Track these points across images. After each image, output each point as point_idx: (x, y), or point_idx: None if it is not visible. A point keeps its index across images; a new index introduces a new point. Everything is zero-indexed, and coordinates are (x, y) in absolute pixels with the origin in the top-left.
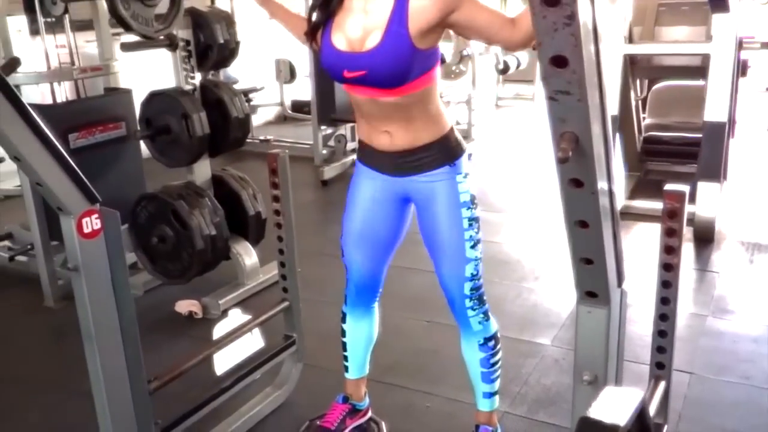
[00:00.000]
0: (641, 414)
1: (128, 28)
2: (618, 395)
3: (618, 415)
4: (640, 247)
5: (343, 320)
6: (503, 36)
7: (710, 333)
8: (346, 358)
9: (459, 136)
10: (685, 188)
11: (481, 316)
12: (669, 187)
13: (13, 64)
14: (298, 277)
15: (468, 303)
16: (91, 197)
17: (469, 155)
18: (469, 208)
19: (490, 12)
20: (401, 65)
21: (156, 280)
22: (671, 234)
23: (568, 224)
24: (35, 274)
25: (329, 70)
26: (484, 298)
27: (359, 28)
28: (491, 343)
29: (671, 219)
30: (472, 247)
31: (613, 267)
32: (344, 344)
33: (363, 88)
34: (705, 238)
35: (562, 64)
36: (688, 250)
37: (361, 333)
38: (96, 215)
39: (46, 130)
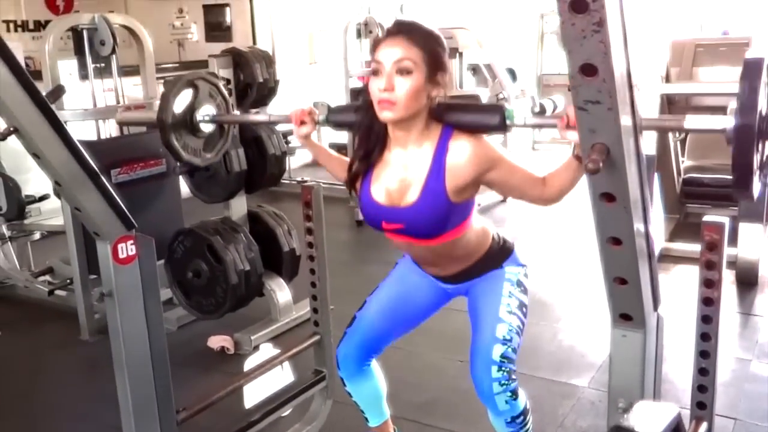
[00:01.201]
0: (677, 428)
1: (179, 159)
2: (653, 408)
3: (652, 426)
4: (680, 290)
5: (344, 384)
6: (535, 194)
7: (755, 378)
8: (362, 411)
9: (503, 239)
10: (724, 220)
11: (509, 394)
12: (708, 218)
13: (57, 91)
14: (331, 315)
15: (495, 372)
16: (128, 223)
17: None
18: (512, 284)
19: (522, 172)
20: (438, 220)
21: (190, 315)
22: (711, 267)
23: (601, 242)
24: (73, 307)
25: (368, 220)
26: (515, 376)
27: (397, 181)
28: (519, 419)
29: (711, 251)
30: (509, 312)
31: (649, 288)
32: (355, 402)
33: (401, 236)
34: (748, 281)
35: (592, 73)
36: (731, 293)
37: (367, 391)
38: (131, 241)
39: (87, 156)
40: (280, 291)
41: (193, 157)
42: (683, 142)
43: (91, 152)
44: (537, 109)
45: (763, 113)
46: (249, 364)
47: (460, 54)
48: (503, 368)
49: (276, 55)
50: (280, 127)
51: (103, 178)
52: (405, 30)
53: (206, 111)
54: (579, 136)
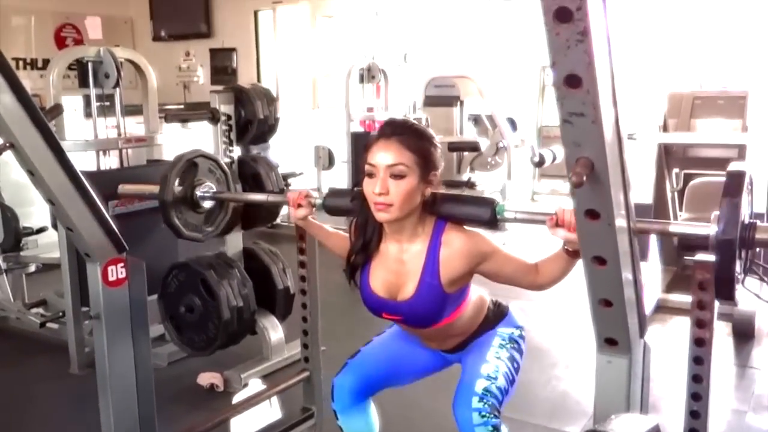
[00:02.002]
0: None
1: (179, 235)
2: (632, 419)
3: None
4: (676, 341)
5: (336, 417)
6: (527, 281)
7: (750, 430)
8: None
9: (496, 304)
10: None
11: (490, 428)
12: (700, 257)
13: (56, 109)
14: (324, 356)
15: (476, 402)
16: (119, 246)
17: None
18: (503, 339)
19: (515, 262)
20: (435, 311)
21: (181, 351)
22: (702, 307)
23: (586, 262)
24: (64, 341)
25: (368, 308)
26: (498, 413)
27: (395, 274)
28: None
29: (702, 290)
30: (497, 357)
31: (635, 312)
32: None
33: (402, 324)
34: (745, 333)
35: (576, 84)
36: (727, 345)
37: (359, 427)
38: (122, 264)
39: (81, 175)
40: (273, 329)
41: (194, 233)
42: (681, 193)
43: (91, 183)
44: (536, 159)
45: (746, 222)
46: (237, 400)
47: (461, 102)
48: (485, 400)
49: (280, 99)
50: (281, 170)
51: (96, 198)
52: (398, 132)
53: (206, 188)
54: (564, 149)
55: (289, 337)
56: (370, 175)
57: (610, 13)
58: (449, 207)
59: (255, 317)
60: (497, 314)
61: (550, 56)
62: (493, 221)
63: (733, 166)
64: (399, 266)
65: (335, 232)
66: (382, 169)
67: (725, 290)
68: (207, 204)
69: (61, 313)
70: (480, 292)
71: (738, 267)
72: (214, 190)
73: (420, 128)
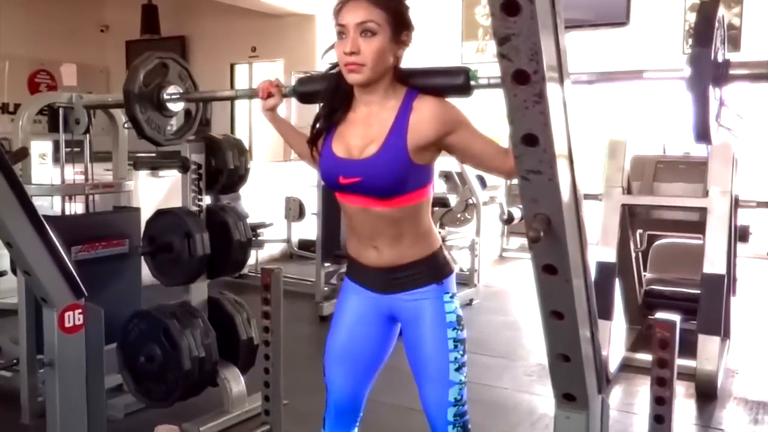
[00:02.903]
0: None
1: (141, 131)
2: None
3: None
4: (641, 401)
5: None
6: (495, 164)
7: None
8: None
9: (448, 255)
10: (676, 318)
11: None
12: (660, 316)
13: (21, 153)
14: (286, 410)
15: (451, 430)
16: (77, 291)
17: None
18: (454, 328)
19: (484, 140)
20: (396, 176)
21: (138, 403)
22: (663, 365)
23: (544, 316)
24: (16, 389)
25: (325, 176)
26: (469, 426)
27: (359, 137)
28: None
29: (663, 350)
30: (457, 369)
31: (592, 367)
32: None
33: (356, 196)
34: (707, 393)
35: (533, 143)
36: (690, 406)
37: None
38: (79, 310)
39: (42, 219)
40: (234, 381)
41: (156, 133)
42: (645, 254)
43: (54, 228)
44: (505, 217)
45: (719, 60)
46: None
47: None
48: (457, 425)
49: (252, 150)
50: (250, 220)
51: (56, 242)
52: None
53: (174, 90)
54: (522, 205)
55: (251, 389)
56: (340, 36)
57: (567, 77)
58: (422, 77)
59: (217, 368)
60: (447, 266)
61: (507, 115)
62: (466, 87)
63: None
64: (365, 130)
65: (301, 132)
66: (352, 27)
67: (702, 129)
68: (174, 108)
69: (15, 361)
70: (434, 228)
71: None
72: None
73: None
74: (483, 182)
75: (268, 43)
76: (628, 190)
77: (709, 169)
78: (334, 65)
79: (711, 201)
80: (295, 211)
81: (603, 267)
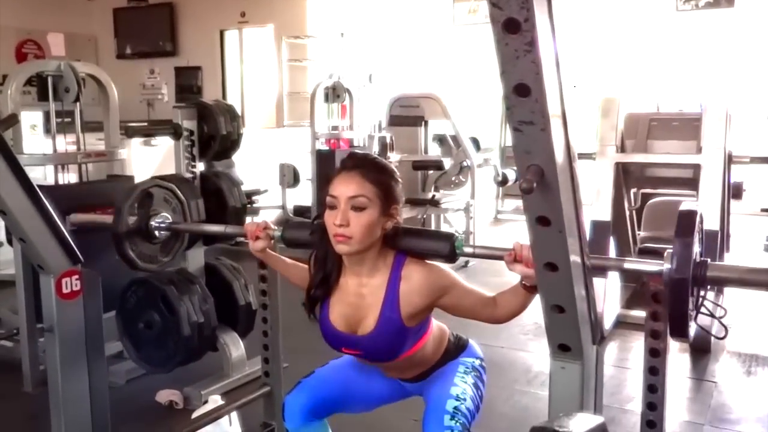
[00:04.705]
0: None
1: (134, 267)
2: (577, 417)
3: (574, 426)
4: (637, 356)
5: None
6: (486, 314)
7: None
8: None
9: (456, 338)
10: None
11: None
12: (651, 268)
13: (10, 119)
14: (285, 372)
15: (447, 420)
16: (74, 257)
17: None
18: (467, 367)
19: (474, 295)
20: (395, 346)
21: (139, 369)
22: (656, 318)
23: (538, 269)
24: (18, 359)
25: (328, 342)
26: (469, 428)
27: (354, 308)
28: None
29: (656, 302)
30: (463, 381)
31: (587, 318)
32: None
33: (361, 359)
34: (701, 347)
35: (525, 93)
36: (684, 359)
37: None
38: (77, 276)
39: (35, 186)
40: (234, 345)
41: (149, 264)
42: (639, 212)
43: (49, 197)
44: (500, 178)
45: (698, 260)
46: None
47: (426, 122)
48: (456, 419)
49: (245, 117)
50: (245, 187)
51: (50, 208)
52: (359, 165)
53: (161, 218)
54: (515, 157)
55: (250, 353)
56: (332, 207)
57: (561, 24)
58: (409, 241)
59: (216, 333)
60: (458, 347)
61: (499, 66)
62: (452, 256)
63: (684, 206)
64: (359, 300)
65: (294, 263)
66: (343, 200)
67: (679, 327)
68: (162, 234)
69: (15, 330)
70: (440, 325)
71: (690, 304)
72: (170, 220)
73: (381, 162)
74: (477, 144)
75: (257, 8)
76: (622, 149)
77: (703, 125)
78: (321, 224)
79: (704, 157)
80: (290, 177)
81: (597, 225)
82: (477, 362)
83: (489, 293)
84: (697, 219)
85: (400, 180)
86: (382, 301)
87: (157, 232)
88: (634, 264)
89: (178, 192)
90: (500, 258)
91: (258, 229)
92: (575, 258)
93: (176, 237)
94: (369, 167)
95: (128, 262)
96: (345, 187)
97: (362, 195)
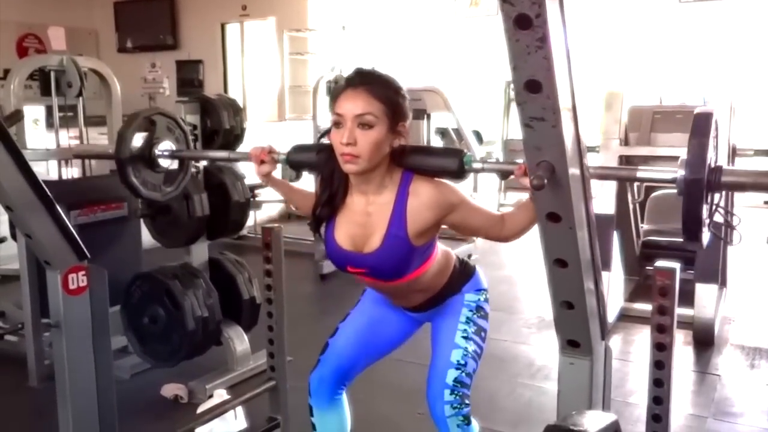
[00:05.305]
0: None
1: (138, 195)
2: (591, 414)
3: (588, 424)
4: (639, 349)
5: (311, 413)
6: (494, 232)
7: None
8: None
9: (463, 264)
10: (675, 265)
11: (461, 418)
12: (660, 263)
13: (15, 115)
14: (290, 366)
15: (448, 395)
16: (80, 253)
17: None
18: (471, 310)
19: (482, 213)
20: (401, 263)
21: (144, 363)
22: (663, 312)
23: (548, 264)
24: (23, 353)
25: (333, 262)
26: (468, 401)
27: (361, 227)
28: None
29: (663, 297)
30: (465, 338)
31: (596, 314)
32: None
33: (366, 278)
34: (705, 341)
35: (536, 89)
36: (687, 353)
37: (333, 424)
38: (83, 272)
39: (40, 181)
40: (238, 340)
41: (153, 192)
42: (642, 205)
43: (53, 192)
44: None
45: (712, 165)
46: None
47: (428, 116)
48: (456, 392)
49: (247, 110)
50: (248, 180)
51: (56, 204)
52: (366, 81)
53: (165, 146)
54: (525, 153)
55: (254, 347)
56: (337, 125)
57: (569, 20)
58: (417, 158)
59: (220, 327)
60: (464, 273)
61: (510, 61)
62: (461, 172)
63: (699, 109)
64: (365, 218)
65: (300, 189)
66: (350, 119)
67: (692, 231)
68: (166, 163)
69: (20, 325)
70: (446, 250)
71: (704, 212)
72: (173, 148)
73: (388, 78)
74: (479, 137)
75: (258, 1)
76: (626, 141)
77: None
78: (328, 145)
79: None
80: (292, 171)
81: (601, 218)
82: (482, 298)
83: (497, 213)
84: (713, 124)
85: (407, 96)
86: (389, 218)
87: (160, 161)
88: (647, 173)
89: (181, 122)
90: (510, 172)
91: (263, 152)
92: (585, 254)
93: (180, 168)
94: (376, 83)
95: (131, 189)
96: (351, 105)
97: (369, 113)
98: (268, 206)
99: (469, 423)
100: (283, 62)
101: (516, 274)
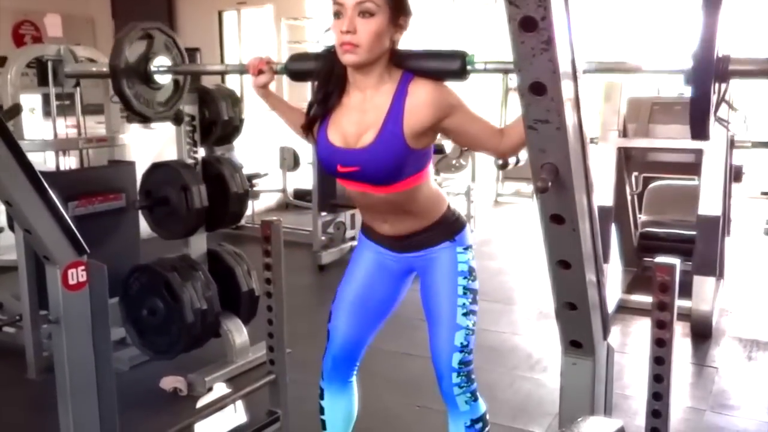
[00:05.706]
0: None
1: (129, 107)
2: (598, 422)
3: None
4: (637, 341)
5: (321, 396)
6: (491, 144)
7: (708, 428)
8: None
9: (457, 212)
10: (676, 261)
11: (468, 395)
12: (660, 259)
13: (15, 109)
14: (289, 358)
15: (455, 378)
16: (80, 248)
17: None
18: (465, 277)
19: (480, 121)
20: (394, 163)
21: (143, 355)
22: (663, 308)
23: (551, 266)
24: (21, 345)
25: (323, 163)
26: (473, 376)
27: (355, 124)
28: (478, 425)
29: (663, 293)
30: (465, 315)
31: (598, 315)
32: (323, 422)
33: (356, 183)
34: (702, 333)
35: (541, 92)
36: (685, 345)
37: (340, 410)
38: (82, 267)
39: (40, 176)
40: (237, 332)
41: (145, 108)
42: (640, 196)
43: (50, 183)
44: (500, 162)
45: (720, 55)
46: (202, 405)
47: None
48: (462, 373)
49: (245, 100)
50: (245, 170)
51: (55, 199)
52: None
53: (161, 62)
54: (529, 155)
55: (253, 339)
56: (338, 15)
57: (574, 22)
58: (417, 60)
59: (219, 320)
60: (458, 222)
61: (515, 64)
62: (462, 72)
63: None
64: (361, 116)
65: (296, 107)
66: (350, 6)
67: (699, 126)
68: (161, 80)
69: (18, 317)
70: (441, 191)
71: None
72: (169, 64)
73: None
74: None
75: None
76: (624, 133)
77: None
78: (329, 48)
79: (706, 142)
80: (290, 160)
81: (599, 210)
82: (470, 256)
83: (496, 126)
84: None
85: None
86: (386, 114)
87: (156, 77)
88: (653, 65)
89: (179, 41)
90: (512, 71)
91: (261, 62)
92: (588, 255)
93: (175, 89)
94: None
95: (124, 100)
96: None
97: (370, 0)
98: (266, 196)
99: (476, 399)
100: (280, 51)
101: (514, 265)
